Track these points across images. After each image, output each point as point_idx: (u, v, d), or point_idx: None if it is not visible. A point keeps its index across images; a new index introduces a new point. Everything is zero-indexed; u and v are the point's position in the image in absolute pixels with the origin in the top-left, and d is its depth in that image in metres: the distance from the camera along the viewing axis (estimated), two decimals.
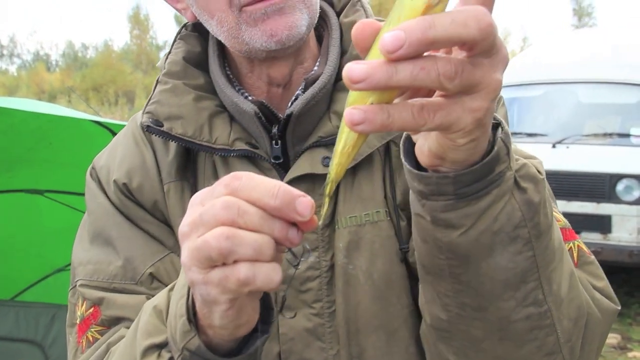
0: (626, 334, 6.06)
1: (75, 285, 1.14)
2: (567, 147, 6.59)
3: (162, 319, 0.89)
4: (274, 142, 1.11)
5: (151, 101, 1.13)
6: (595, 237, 6.20)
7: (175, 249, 1.12)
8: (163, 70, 1.16)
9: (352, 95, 0.62)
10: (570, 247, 1.00)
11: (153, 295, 0.98)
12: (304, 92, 1.10)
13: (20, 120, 3.26)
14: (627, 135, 6.64)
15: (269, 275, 0.68)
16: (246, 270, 0.67)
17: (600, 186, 6.26)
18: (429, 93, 0.68)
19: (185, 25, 1.21)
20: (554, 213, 0.96)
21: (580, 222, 6.25)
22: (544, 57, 7.82)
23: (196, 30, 1.19)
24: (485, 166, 0.71)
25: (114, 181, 1.15)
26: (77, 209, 3.82)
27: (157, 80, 1.16)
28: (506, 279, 0.78)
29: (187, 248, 0.70)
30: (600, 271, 1.00)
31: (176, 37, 1.20)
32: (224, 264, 0.69)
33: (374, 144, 1.08)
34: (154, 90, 1.15)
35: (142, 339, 0.90)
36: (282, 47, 1.03)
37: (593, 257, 1.02)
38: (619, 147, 6.57)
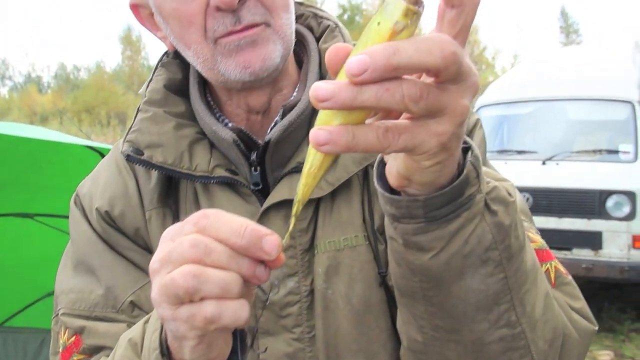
0: (619, 350, 6.06)
1: (58, 314, 1.14)
2: (557, 164, 6.63)
3: (136, 352, 0.89)
4: (253, 168, 1.12)
5: (132, 130, 1.14)
6: (586, 254, 6.22)
7: None
8: (144, 99, 1.17)
9: (321, 115, 0.63)
10: (547, 269, 1.00)
11: (134, 323, 0.98)
12: (282, 119, 1.11)
13: (10, 144, 3.26)
14: (616, 152, 6.68)
15: (235, 312, 0.69)
16: (212, 309, 0.68)
17: (590, 202, 6.29)
18: (400, 116, 0.69)
19: (166, 52, 1.22)
20: (529, 234, 0.96)
21: (571, 239, 6.28)
22: (532, 75, 7.87)
23: (177, 57, 1.21)
24: (454, 189, 0.72)
25: (97, 209, 1.16)
26: (67, 232, 3.80)
27: (138, 109, 1.17)
28: (478, 301, 0.79)
29: (156, 284, 0.71)
30: (578, 292, 1.01)
31: (158, 64, 1.22)
32: (192, 301, 0.69)
33: (352, 169, 1.09)
34: (134, 119, 1.16)
35: None
36: (256, 79, 1.05)
37: (570, 277, 1.03)
38: (608, 163, 6.61)
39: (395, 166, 0.72)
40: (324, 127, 0.61)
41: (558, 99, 7.27)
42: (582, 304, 0.99)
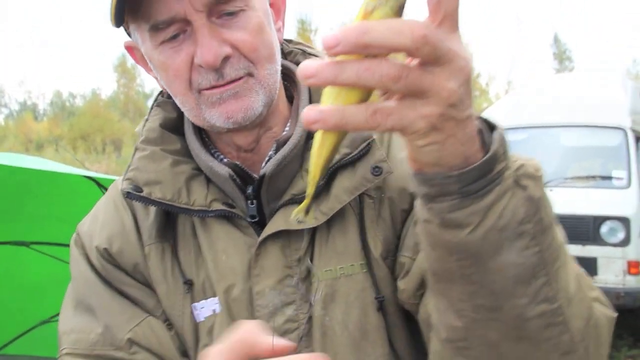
0: None
1: (61, 354, 1.17)
2: (551, 190, 6.65)
3: None
4: (249, 201, 1.15)
5: (130, 168, 1.18)
6: None
7: (156, 309, 1.17)
8: (141, 137, 1.21)
9: (322, 98, 0.68)
10: None
11: None
12: (275, 153, 1.15)
13: (7, 174, 3.28)
14: (610, 178, 6.73)
15: None
16: None
17: (584, 228, 6.31)
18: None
19: (161, 92, 1.27)
20: None
21: None
22: (526, 102, 7.95)
23: (171, 97, 1.24)
24: (485, 164, 0.75)
25: (96, 247, 1.19)
26: (62, 259, 3.82)
27: (136, 148, 1.21)
28: (516, 275, 0.80)
29: None
30: (591, 282, 1.02)
31: (153, 104, 1.27)
32: None
33: (344, 199, 1.12)
34: (133, 157, 1.20)
35: None
36: (239, 126, 1.10)
37: (583, 269, 1.05)
38: (602, 189, 6.65)
39: (407, 154, 0.77)
40: (315, 107, 0.65)
41: (551, 126, 7.33)
42: (598, 292, 1.01)
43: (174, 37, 1.07)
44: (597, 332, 0.92)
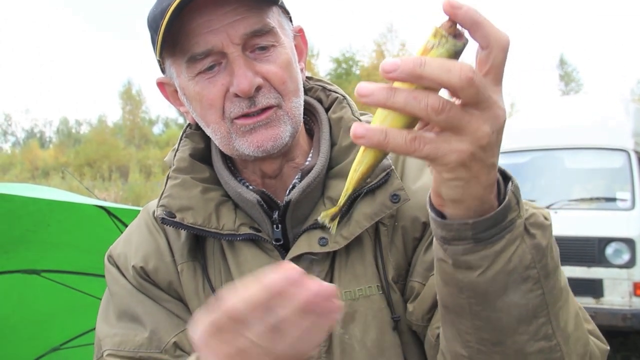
0: None
1: (102, 355, 1.23)
2: (556, 212, 6.68)
3: None
4: (275, 226, 1.24)
5: (164, 195, 1.26)
6: (588, 302, 6.22)
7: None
8: (172, 167, 1.30)
9: (372, 119, 0.76)
10: None
11: None
12: (300, 181, 1.24)
13: (19, 204, 3.34)
14: (614, 199, 6.76)
15: None
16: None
17: (589, 250, 6.33)
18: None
19: (189, 125, 1.35)
20: None
21: (571, 287, 6.16)
22: (530, 124, 8.00)
23: (199, 128, 1.33)
24: (499, 214, 0.83)
25: (133, 266, 1.27)
26: (72, 287, 3.86)
27: (168, 176, 1.29)
28: (519, 314, 0.88)
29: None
30: (587, 315, 1.10)
31: (182, 135, 1.35)
32: None
33: (364, 224, 1.20)
34: (165, 185, 1.28)
35: None
36: (267, 155, 1.19)
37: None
38: (606, 211, 6.68)
39: (432, 185, 0.85)
40: (364, 124, 0.73)
41: (555, 148, 7.38)
42: (593, 326, 1.09)
43: (209, 69, 1.16)
44: None
